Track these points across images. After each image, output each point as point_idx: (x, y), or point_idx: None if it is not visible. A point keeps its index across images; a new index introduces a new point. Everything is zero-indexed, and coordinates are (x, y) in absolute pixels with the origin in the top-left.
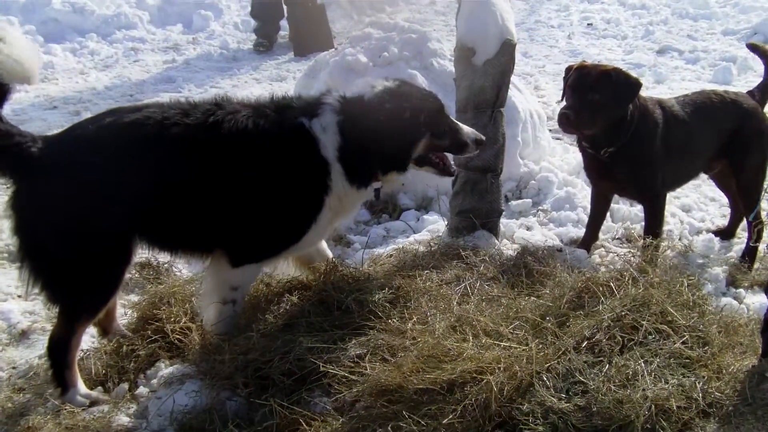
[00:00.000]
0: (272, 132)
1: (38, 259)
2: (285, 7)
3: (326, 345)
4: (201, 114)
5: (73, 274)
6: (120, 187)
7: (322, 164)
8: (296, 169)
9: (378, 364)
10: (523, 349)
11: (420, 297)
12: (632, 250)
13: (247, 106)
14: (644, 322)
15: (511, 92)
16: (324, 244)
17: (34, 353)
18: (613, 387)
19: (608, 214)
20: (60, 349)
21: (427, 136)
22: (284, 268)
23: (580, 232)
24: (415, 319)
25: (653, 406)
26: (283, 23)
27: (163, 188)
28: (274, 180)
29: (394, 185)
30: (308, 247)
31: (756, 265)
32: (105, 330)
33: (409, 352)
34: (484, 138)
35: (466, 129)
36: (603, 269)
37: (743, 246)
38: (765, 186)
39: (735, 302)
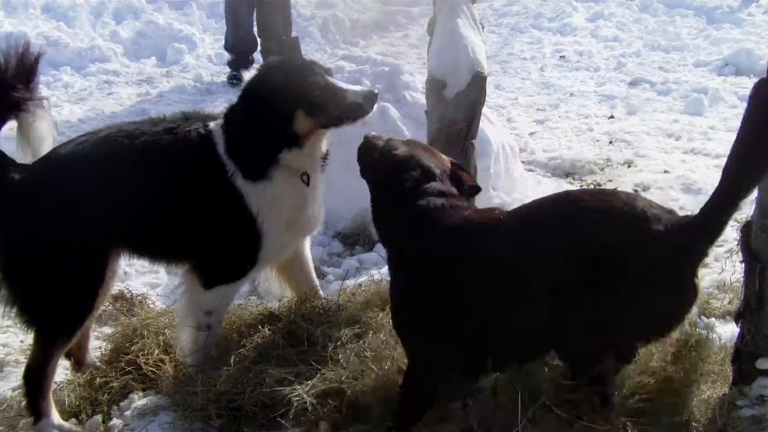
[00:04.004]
0: (187, 140)
1: (14, 282)
2: (259, 40)
3: (297, 378)
4: (164, 126)
5: (48, 296)
6: (92, 205)
7: (221, 165)
8: (204, 174)
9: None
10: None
11: (389, 331)
12: None
13: (201, 117)
14: None
15: (483, 124)
16: (311, 271)
17: (8, 385)
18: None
19: None
20: (36, 376)
21: (301, 108)
22: (271, 287)
23: None
24: (384, 354)
25: None
26: (257, 56)
27: (133, 202)
28: (199, 189)
29: (314, 158)
30: (275, 259)
31: (729, 295)
32: (78, 362)
33: (378, 386)
34: (376, 92)
35: (352, 88)
36: None
37: (714, 276)
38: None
39: (706, 332)
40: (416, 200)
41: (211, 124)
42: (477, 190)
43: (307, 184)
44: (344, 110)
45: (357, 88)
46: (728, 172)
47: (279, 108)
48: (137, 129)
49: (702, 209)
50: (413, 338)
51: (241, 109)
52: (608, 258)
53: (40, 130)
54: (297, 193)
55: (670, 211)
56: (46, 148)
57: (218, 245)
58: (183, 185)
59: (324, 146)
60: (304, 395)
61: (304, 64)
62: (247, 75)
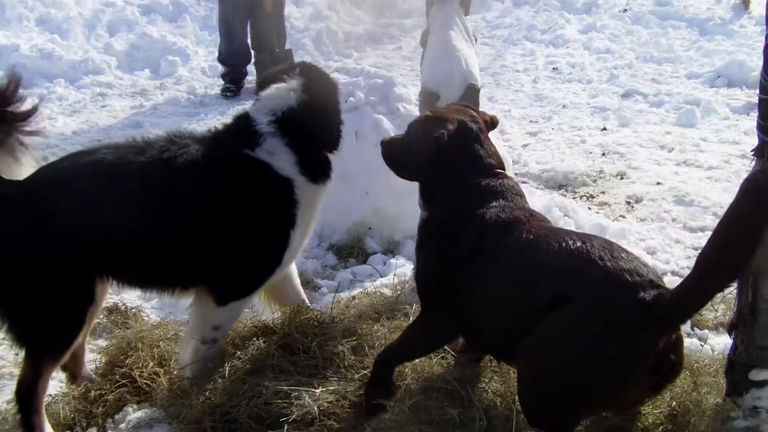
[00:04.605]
0: (224, 165)
1: (4, 300)
2: (252, 52)
3: (293, 390)
4: (155, 151)
5: (37, 315)
6: (80, 228)
7: (284, 183)
8: (261, 197)
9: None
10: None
11: (384, 343)
12: None
13: (196, 140)
14: None
15: None
16: (299, 285)
17: (3, 398)
18: None
19: None
20: (27, 393)
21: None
22: (257, 307)
23: None
24: None
25: None
26: (251, 68)
27: (123, 227)
28: (242, 214)
29: None
30: (288, 266)
31: (722, 307)
32: (73, 375)
33: None
34: None
35: None
36: None
37: None
38: None
39: (699, 343)
40: (468, 179)
41: (250, 151)
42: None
43: None
44: None
45: None
46: (708, 260)
47: (337, 100)
48: (133, 151)
49: (678, 289)
50: (428, 297)
51: (316, 114)
52: (565, 306)
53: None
54: (324, 192)
55: (651, 282)
56: (16, 169)
57: (242, 263)
58: (209, 208)
59: None
60: (312, 402)
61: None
62: (249, 85)
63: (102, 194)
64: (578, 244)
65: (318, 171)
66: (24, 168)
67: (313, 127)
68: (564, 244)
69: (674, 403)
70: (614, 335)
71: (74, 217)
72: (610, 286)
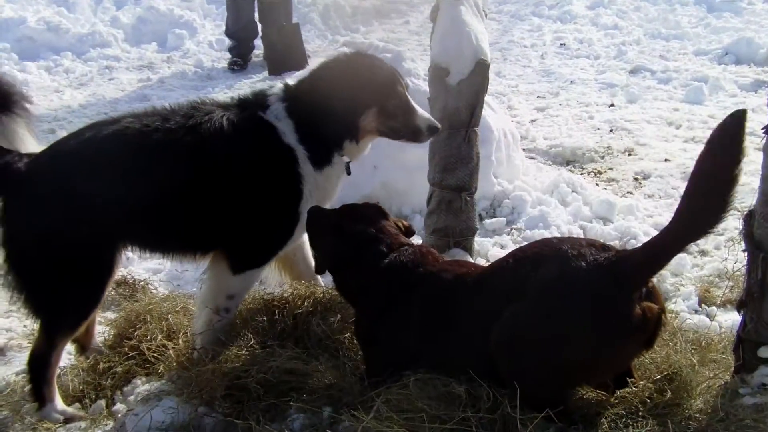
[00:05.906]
0: (241, 128)
1: (22, 271)
2: (260, 26)
3: (302, 363)
4: (180, 118)
5: (56, 287)
6: (108, 197)
7: (287, 150)
8: (267, 160)
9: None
10: None
11: None
12: None
13: (220, 106)
14: None
15: (485, 112)
16: (310, 257)
17: (11, 370)
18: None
19: None
20: (40, 363)
21: (374, 108)
22: (271, 275)
23: None
24: None
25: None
26: (258, 42)
27: (148, 196)
28: (252, 176)
29: (359, 156)
30: (295, 243)
31: (730, 284)
32: (83, 347)
33: None
34: (439, 126)
35: (423, 113)
36: None
37: (716, 264)
38: None
39: (707, 320)
40: (375, 263)
41: (262, 113)
42: (412, 233)
43: (348, 172)
44: (406, 128)
45: (425, 114)
46: (683, 211)
47: (355, 98)
48: (153, 120)
49: (645, 245)
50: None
51: (317, 93)
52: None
53: (13, 129)
54: (336, 181)
55: (607, 248)
56: (25, 143)
57: (255, 230)
58: (225, 174)
59: (367, 150)
60: (320, 373)
61: (391, 68)
62: (255, 59)
63: (131, 162)
64: (527, 251)
65: (316, 150)
66: (29, 141)
67: (314, 102)
68: (514, 256)
69: (663, 365)
70: (590, 302)
71: (101, 187)
72: (572, 259)
